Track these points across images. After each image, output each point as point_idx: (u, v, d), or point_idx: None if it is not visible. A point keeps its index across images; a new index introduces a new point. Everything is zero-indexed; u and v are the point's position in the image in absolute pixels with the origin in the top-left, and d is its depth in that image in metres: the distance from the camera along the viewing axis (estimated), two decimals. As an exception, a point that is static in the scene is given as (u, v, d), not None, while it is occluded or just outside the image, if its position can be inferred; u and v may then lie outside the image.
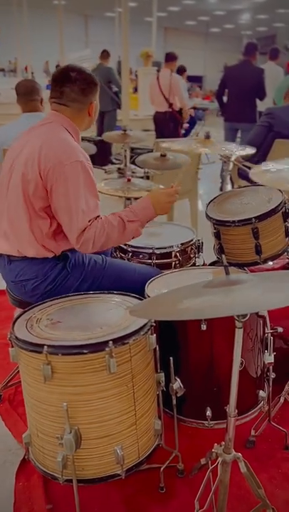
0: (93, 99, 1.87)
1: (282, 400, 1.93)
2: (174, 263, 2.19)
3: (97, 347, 1.33)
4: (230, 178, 3.52)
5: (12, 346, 1.44)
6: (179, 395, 1.61)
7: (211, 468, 1.44)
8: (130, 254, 2.20)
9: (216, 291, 1.20)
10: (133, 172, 3.24)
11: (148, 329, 1.46)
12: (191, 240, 2.26)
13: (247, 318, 1.21)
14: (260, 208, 1.95)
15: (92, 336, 1.40)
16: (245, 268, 2.02)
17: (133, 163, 3.23)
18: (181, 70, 7.17)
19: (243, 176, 3.49)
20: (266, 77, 5.18)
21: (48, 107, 2.05)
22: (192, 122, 8.79)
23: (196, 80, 22.01)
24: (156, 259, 2.16)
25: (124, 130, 3.25)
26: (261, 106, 5.09)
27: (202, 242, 2.31)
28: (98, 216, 1.73)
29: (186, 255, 2.24)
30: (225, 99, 5.50)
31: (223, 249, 2.04)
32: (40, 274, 1.82)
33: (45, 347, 1.32)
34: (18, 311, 1.99)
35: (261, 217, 1.89)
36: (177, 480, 1.72)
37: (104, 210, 1.81)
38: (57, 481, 1.44)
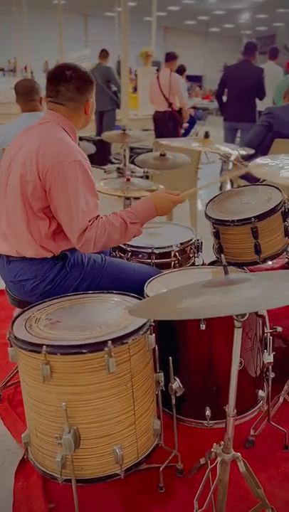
0: (89, 97, 1.86)
1: (281, 399, 1.93)
2: (173, 263, 2.18)
3: (96, 347, 1.33)
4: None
5: (11, 346, 1.43)
6: (178, 395, 1.61)
7: (210, 467, 1.44)
8: (129, 253, 2.20)
9: (215, 291, 1.20)
10: (132, 172, 3.24)
11: (147, 329, 1.45)
12: (191, 240, 2.26)
13: (246, 317, 1.21)
14: (259, 207, 1.95)
15: (91, 336, 1.39)
16: (245, 268, 2.01)
17: (132, 162, 3.23)
18: (180, 70, 7.17)
19: (243, 175, 3.49)
20: (266, 76, 5.18)
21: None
22: (192, 122, 8.79)
23: (195, 80, 22.02)
24: (156, 258, 2.16)
25: (124, 130, 3.25)
26: (261, 105, 5.09)
27: (201, 242, 2.31)
28: (98, 216, 1.73)
29: (186, 255, 2.24)
30: (224, 98, 5.50)
31: (222, 248, 2.04)
32: (39, 274, 1.82)
33: (44, 347, 1.32)
34: (17, 310, 1.99)
35: (261, 217, 1.89)
36: (176, 480, 1.72)
37: (104, 209, 1.81)
38: (56, 481, 1.44)
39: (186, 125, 7.54)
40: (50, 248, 1.80)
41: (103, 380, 1.36)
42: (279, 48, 6.41)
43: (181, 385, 1.62)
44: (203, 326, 1.58)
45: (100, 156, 5.91)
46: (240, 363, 1.62)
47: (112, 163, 6.38)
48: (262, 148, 3.47)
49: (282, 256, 2.16)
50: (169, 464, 1.69)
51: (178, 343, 1.70)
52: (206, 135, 2.58)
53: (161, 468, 1.66)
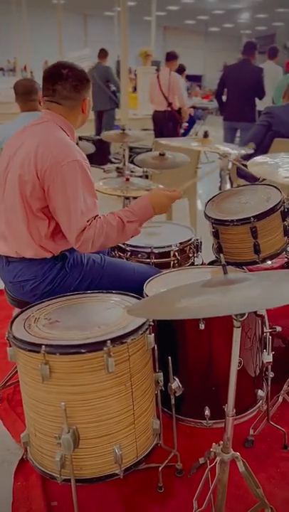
0: (86, 95, 1.85)
1: (280, 399, 1.93)
2: (172, 262, 2.18)
3: (95, 346, 1.33)
4: (229, 178, 3.52)
5: (10, 346, 1.43)
6: (177, 395, 1.61)
7: (209, 467, 1.44)
8: (129, 253, 2.20)
9: (215, 291, 1.20)
10: (132, 171, 3.23)
11: (146, 328, 1.45)
12: (190, 240, 2.26)
13: (245, 317, 1.21)
14: (258, 207, 1.95)
15: (90, 336, 1.39)
16: (244, 267, 2.01)
17: (132, 162, 3.23)
18: (180, 70, 7.17)
19: (242, 175, 3.49)
20: (265, 76, 5.18)
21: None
22: (191, 122, 8.78)
23: (195, 79, 22.03)
24: (155, 258, 2.16)
25: (123, 129, 3.24)
26: (260, 105, 5.09)
27: (201, 242, 2.31)
28: (97, 215, 1.73)
29: (185, 254, 2.24)
30: (224, 98, 5.50)
31: (221, 248, 2.04)
32: (39, 274, 1.81)
33: (43, 346, 1.32)
34: (16, 310, 1.98)
35: (260, 217, 1.89)
36: (176, 479, 1.72)
37: (103, 209, 1.81)
38: (55, 481, 1.44)
39: (185, 125, 7.54)
40: (50, 248, 1.80)
41: (102, 380, 1.36)
42: (278, 47, 6.40)
43: (180, 385, 1.61)
44: (202, 326, 1.58)
45: (100, 155, 5.91)
46: (240, 362, 1.62)
47: (111, 162, 6.38)
48: (261, 147, 3.47)
49: (282, 255, 2.16)
50: (169, 463, 1.69)
51: (177, 343, 1.70)
52: (206, 135, 2.58)
53: (160, 468, 1.66)
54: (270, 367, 1.71)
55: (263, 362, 1.71)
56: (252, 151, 2.66)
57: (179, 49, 6.48)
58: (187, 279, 1.77)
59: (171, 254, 2.18)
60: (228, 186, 2.61)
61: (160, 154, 2.75)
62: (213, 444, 1.38)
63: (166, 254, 2.18)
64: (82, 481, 1.42)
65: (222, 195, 2.22)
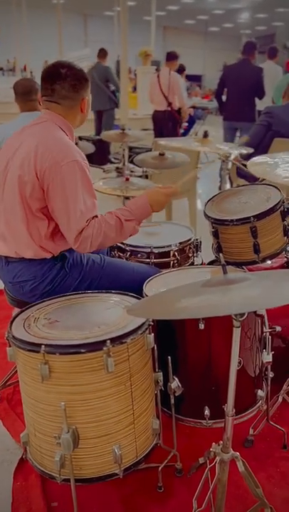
0: (85, 94, 1.84)
1: (280, 399, 1.93)
2: (172, 262, 2.18)
3: (95, 346, 1.33)
4: (229, 177, 3.52)
5: (10, 346, 1.43)
6: (177, 394, 1.61)
7: (209, 467, 1.44)
8: (128, 253, 2.20)
9: (214, 291, 1.20)
10: (131, 171, 3.24)
11: (146, 328, 1.45)
12: (190, 239, 2.26)
13: (245, 317, 1.21)
14: (258, 206, 1.95)
15: (90, 336, 1.39)
16: (244, 267, 2.01)
17: (131, 162, 3.23)
18: (180, 69, 7.17)
19: (242, 174, 3.49)
20: (265, 76, 5.17)
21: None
22: (191, 121, 8.79)
23: (195, 79, 22.01)
24: (155, 258, 2.16)
25: (123, 129, 3.25)
26: (260, 105, 5.09)
27: (200, 241, 2.31)
28: (95, 215, 1.73)
29: (185, 254, 2.24)
30: (224, 98, 5.50)
31: (221, 248, 2.04)
32: (39, 275, 1.81)
33: (43, 346, 1.32)
34: (16, 310, 1.98)
35: (259, 216, 1.89)
36: (175, 479, 1.72)
37: (103, 209, 1.80)
38: (55, 481, 1.44)
39: (185, 125, 7.54)
40: (50, 249, 1.80)
41: (102, 380, 1.36)
42: (278, 47, 6.40)
43: (180, 385, 1.61)
44: (202, 326, 1.58)
45: (99, 155, 5.91)
46: (239, 362, 1.62)
47: (111, 162, 6.39)
48: (261, 147, 3.47)
49: (281, 255, 2.16)
50: (168, 463, 1.69)
51: (177, 343, 1.70)
52: (205, 134, 2.58)
53: (160, 468, 1.66)
54: (269, 367, 1.71)
55: (262, 362, 1.71)
56: (251, 151, 2.65)
57: (178, 49, 6.48)
58: (187, 279, 1.77)
59: (171, 254, 2.18)
60: (227, 186, 2.61)
61: (160, 154, 2.75)
62: (213, 443, 1.38)
63: (166, 254, 2.18)
64: (81, 480, 1.42)
65: (222, 194, 2.22)
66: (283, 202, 1.95)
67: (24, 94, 2.88)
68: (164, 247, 2.18)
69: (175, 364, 1.59)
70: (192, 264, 2.28)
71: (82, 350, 1.32)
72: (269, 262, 2.11)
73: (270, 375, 1.72)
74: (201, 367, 1.69)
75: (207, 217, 2.04)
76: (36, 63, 14.79)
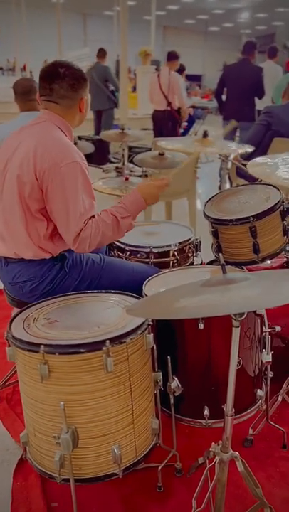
0: (83, 94, 1.83)
1: (280, 398, 1.93)
2: (172, 262, 2.18)
3: (94, 346, 1.33)
4: (229, 177, 3.52)
5: (9, 345, 1.43)
6: (176, 394, 1.61)
7: (208, 467, 1.43)
8: (128, 253, 2.20)
9: (214, 290, 1.20)
10: (131, 171, 3.24)
11: (145, 328, 1.45)
12: (189, 239, 2.26)
13: (244, 317, 1.21)
14: (258, 206, 1.95)
15: (89, 335, 1.39)
16: (243, 267, 2.01)
17: (131, 161, 3.23)
18: (180, 69, 7.17)
19: (242, 174, 3.48)
20: (265, 75, 5.17)
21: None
22: (191, 121, 8.78)
23: (195, 79, 22.01)
24: (154, 258, 2.16)
25: (123, 129, 3.24)
26: (260, 104, 5.09)
27: (200, 241, 2.31)
28: (93, 216, 1.72)
29: (184, 254, 2.24)
30: (224, 97, 5.50)
31: (221, 248, 2.04)
32: (38, 275, 1.81)
33: (42, 346, 1.32)
34: (15, 310, 1.98)
35: (259, 216, 1.89)
36: (175, 479, 1.72)
37: (102, 209, 1.80)
38: (54, 481, 1.43)
39: (184, 124, 7.54)
40: (49, 249, 1.80)
41: (101, 380, 1.36)
42: (278, 47, 6.40)
43: (179, 385, 1.61)
44: (201, 326, 1.58)
45: (99, 155, 5.91)
46: (239, 362, 1.62)
47: (110, 162, 6.39)
48: (261, 147, 3.47)
49: (281, 255, 2.16)
50: (168, 463, 1.69)
51: (176, 343, 1.70)
52: (205, 134, 2.58)
53: (159, 468, 1.66)
54: (269, 366, 1.71)
55: (262, 361, 1.71)
56: (251, 150, 2.64)
57: (178, 48, 6.47)
58: (186, 279, 1.77)
59: (171, 253, 2.18)
60: (227, 186, 2.61)
61: (159, 154, 2.75)
62: (213, 443, 1.38)
63: (166, 254, 2.18)
64: (81, 480, 1.42)
65: (221, 194, 2.22)
66: (283, 202, 1.95)
67: (24, 93, 2.88)
68: (163, 246, 2.18)
69: (174, 364, 1.59)
70: (192, 264, 2.28)
71: (82, 350, 1.32)
72: (268, 261, 2.10)
73: (270, 374, 1.72)
74: (200, 367, 1.69)
75: (207, 217, 2.04)
76: (36, 63, 14.77)
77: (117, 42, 12.31)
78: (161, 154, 2.74)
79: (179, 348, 1.70)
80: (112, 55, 9.46)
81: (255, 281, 1.22)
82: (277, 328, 1.71)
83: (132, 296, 1.67)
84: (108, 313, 1.57)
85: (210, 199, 2.18)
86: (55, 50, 13.22)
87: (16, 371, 1.66)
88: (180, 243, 2.20)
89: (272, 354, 1.68)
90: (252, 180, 2.59)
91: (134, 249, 2.19)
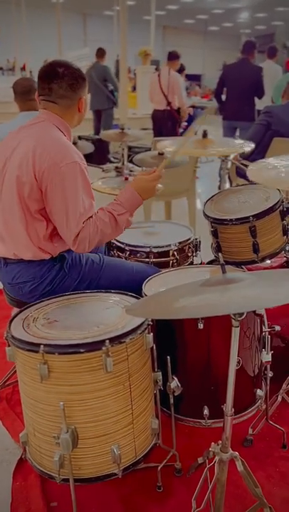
0: (82, 94, 1.83)
1: (279, 398, 1.93)
2: (171, 262, 2.18)
3: (94, 346, 1.33)
4: (229, 177, 3.52)
5: (9, 345, 1.43)
6: (176, 394, 1.61)
7: (208, 467, 1.43)
8: (128, 252, 2.20)
9: (213, 290, 1.20)
10: (131, 171, 3.23)
11: (145, 328, 1.45)
12: (189, 239, 2.26)
13: (243, 316, 1.21)
14: (257, 206, 1.95)
15: (89, 335, 1.39)
16: (243, 266, 2.01)
17: (131, 161, 3.23)
18: (179, 69, 7.16)
19: (241, 174, 3.48)
20: (265, 75, 5.17)
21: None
22: (190, 121, 8.77)
23: (194, 79, 22.04)
24: (154, 257, 2.16)
25: (122, 128, 3.24)
26: (260, 104, 5.09)
27: (200, 241, 2.31)
28: (91, 215, 1.72)
29: (184, 254, 2.24)
30: (224, 97, 5.50)
31: (220, 247, 2.04)
32: (38, 276, 1.81)
33: (42, 346, 1.32)
34: (15, 310, 1.98)
35: (259, 216, 1.89)
36: (174, 479, 1.71)
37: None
38: (54, 481, 1.43)
39: (184, 124, 7.53)
40: (48, 250, 1.80)
41: (101, 380, 1.36)
42: (278, 46, 6.40)
43: (179, 384, 1.61)
44: (201, 325, 1.58)
45: (99, 155, 5.91)
46: (238, 362, 1.62)
47: (110, 162, 6.39)
48: (261, 147, 3.47)
49: (281, 255, 2.16)
50: (167, 463, 1.68)
51: (176, 342, 1.70)
52: (205, 134, 2.58)
53: (159, 468, 1.66)
54: (269, 366, 1.71)
55: (261, 361, 1.71)
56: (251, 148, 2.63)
57: (178, 48, 6.47)
58: (186, 279, 1.77)
59: (170, 253, 2.18)
60: (227, 185, 2.61)
61: (159, 154, 2.74)
62: (212, 443, 1.38)
63: (165, 254, 2.18)
64: (80, 480, 1.42)
65: (221, 194, 2.22)
66: (282, 201, 1.95)
67: (23, 93, 2.88)
68: (163, 246, 2.17)
69: (174, 364, 1.59)
70: (191, 263, 2.28)
71: (81, 350, 1.32)
72: (268, 261, 2.11)
73: (270, 374, 1.72)
74: (200, 366, 1.69)
75: (206, 217, 2.04)
76: (36, 63, 14.76)
77: (116, 42, 12.32)
78: (161, 154, 2.74)
79: (179, 348, 1.70)
80: (112, 55, 9.47)
81: (254, 281, 1.22)
82: (277, 328, 1.71)
83: (131, 296, 1.67)
84: (108, 313, 1.57)
85: (210, 199, 2.18)
86: (55, 50, 13.22)
87: (15, 371, 1.66)
88: (180, 243, 2.20)
89: (272, 354, 1.68)
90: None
91: (134, 249, 2.19)
